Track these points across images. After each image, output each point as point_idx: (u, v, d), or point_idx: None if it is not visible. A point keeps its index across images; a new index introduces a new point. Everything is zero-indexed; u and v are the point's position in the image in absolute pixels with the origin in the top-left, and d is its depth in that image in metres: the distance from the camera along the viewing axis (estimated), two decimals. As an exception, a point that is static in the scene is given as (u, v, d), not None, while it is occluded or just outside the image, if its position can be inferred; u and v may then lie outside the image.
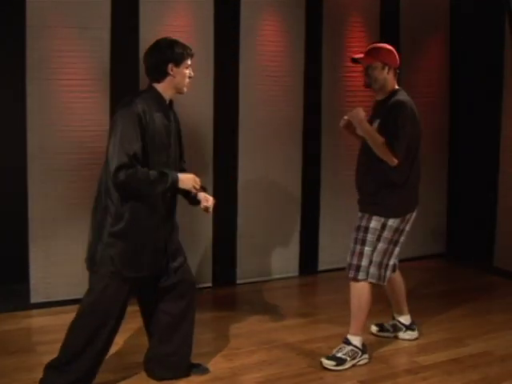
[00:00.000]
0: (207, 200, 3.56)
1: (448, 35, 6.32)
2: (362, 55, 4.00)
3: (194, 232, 5.13)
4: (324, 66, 5.73)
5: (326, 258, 5.89)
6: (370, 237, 3.88)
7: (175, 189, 3.41)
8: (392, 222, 3.89)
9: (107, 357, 3.57)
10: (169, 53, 3.39)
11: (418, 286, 5.50)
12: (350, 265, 3.94)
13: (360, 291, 3.92)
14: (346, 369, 3.83)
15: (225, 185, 5.39)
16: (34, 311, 4.73)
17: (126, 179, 3.24)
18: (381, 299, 4.45)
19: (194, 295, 3.69)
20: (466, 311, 4.90)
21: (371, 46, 4.02)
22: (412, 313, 4.41)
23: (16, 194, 4.86)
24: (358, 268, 3.90)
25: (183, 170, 3.62)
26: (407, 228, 4.02)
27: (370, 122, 3.94)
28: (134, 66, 4.92)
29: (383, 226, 3.89)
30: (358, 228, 3.94)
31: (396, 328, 4.34)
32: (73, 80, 4.78)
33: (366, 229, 3.89)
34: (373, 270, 3.90)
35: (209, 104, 5.24)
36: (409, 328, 4.33)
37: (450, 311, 4.89)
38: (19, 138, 4.71)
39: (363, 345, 3.95)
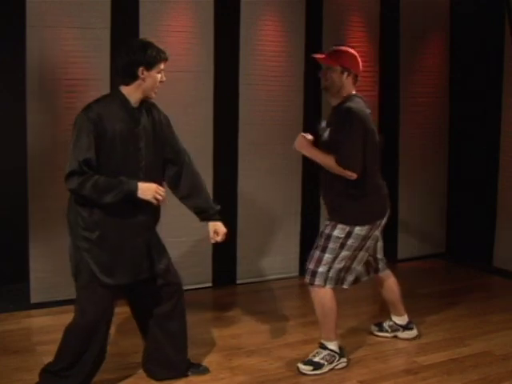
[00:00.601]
0: (217, 234, 3.64)
1: (448, 35, 6.32)
2: (322, 56, 3.90)
3: (195, 232, 5.13)
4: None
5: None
6: (331, 244, 3.80)
7: (134, 198, 3.25)
8: (359, 230, 3.79)
9: (107, 357, 3.57)
10: (141, 55, 3.26)
11: (417, 286, 5.50)
12: (307, 269, 3.87)
13: (322, 299, 3.84)
14: (324, 373, 3.80)
15: (225, 185, 5.39)
16: (34, 311, 4.73)
17: (77, 187, 3.18)
18: (379, 299, 4.46)
19: (182, 297, 3.65)
20: (466, 311, 4.89)
21: (333, 48, 3.89)
22: (412, 313, 4.41)
23: (16, 194, 4.86)
24: (314, 273, 3.82)
25: (180, 173, 3.56)
26: (377, 233, 3.93)
27: (323, 130, 3.92)
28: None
29: (348, 234, 3.79)
30: (321, 234, 3.88)
31: (393, 328, 4.33)
32: (73, 80, 4.78)
33: (329, 236, 3.81)
34: (331, 275, 3.82)
35: (209, 104, 5.24)
36: (406, 328, 4.31)
37: (450, 311, 4.89)
38: (19, 138, 4.71)
39: (340, 348, 3.92)
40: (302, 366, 3.82)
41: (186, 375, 3.72)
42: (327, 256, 3.81)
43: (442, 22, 6.28)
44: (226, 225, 5.38)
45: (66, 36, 4.71)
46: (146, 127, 3.38)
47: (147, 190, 3.26)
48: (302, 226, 5.77)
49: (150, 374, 3.70)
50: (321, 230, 3.93)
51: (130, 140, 3.30)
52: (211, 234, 3.64)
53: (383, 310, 4.55)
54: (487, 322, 4.66)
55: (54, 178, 4.77)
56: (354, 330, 4.46)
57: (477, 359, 4.03)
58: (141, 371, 3.76)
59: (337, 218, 3.83)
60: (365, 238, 3.84)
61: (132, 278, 3.41)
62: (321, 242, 3.86)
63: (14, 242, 4.93)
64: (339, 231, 3.80)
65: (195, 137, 5.05)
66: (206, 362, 3.91)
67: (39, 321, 4.61)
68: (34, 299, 4.80)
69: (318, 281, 3.82)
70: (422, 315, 4.72)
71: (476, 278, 5.84)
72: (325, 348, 3.88)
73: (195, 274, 5.26)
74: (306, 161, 5.73)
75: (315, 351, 3.89)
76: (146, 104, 3.42)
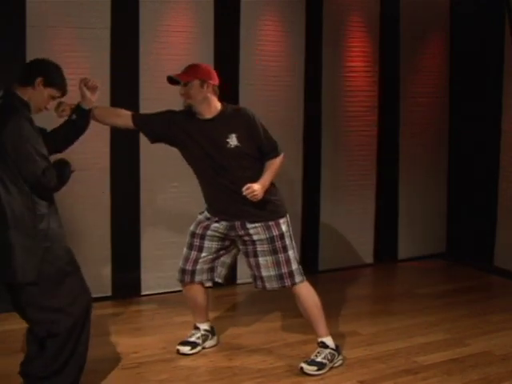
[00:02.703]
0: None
1: (448, 35, 6.32)
2: (178, 73, 3.78)
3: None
4: (324, 66, 5.73)
5: (326, 258, 5.89)
6: (287, 241, 3.82)
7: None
8: (287, 217, 3.89)
9: (107, 357, 3.57)
10: (42, 69, 3.35)
11: (418, 286, 5.50)
12: (281, 275, 3.80)
13: (309, 294, 3.86)
14: (324, 372, 3.79)
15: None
16: (34, 311, 4.72)
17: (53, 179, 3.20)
18: (379, 300, 4.45)
19: None
20: (465, 311, 4.89)
21: (188, 65, 3.82)
22: (412, 313, 4.42)
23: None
24: (291, 274, 3.80)
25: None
26: None
27: (212, 140, 3.73)
28: (134, 65, 4.93)
29: (288, 224, 3.87)
30: (271, 239, 3.78)
31: (206, 337, 4.16)
32: (73, 80, 4.77)
33: (281, 235, 3.80)
34: (299, 267, 3.87)
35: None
36: (211, 332, 4.19)
37: (449, 311, 4.89)
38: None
39: (336, 345, 3.93)
40: (306, 367, 3.81)
41: None
42: (291, 253, 3.82)
43: (442, 22, 6.28)
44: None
45: (66, 36, 4.71)
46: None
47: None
48: (301, 226, 5.76)
49: None
50: (262, 237, 3.78)
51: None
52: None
53: (384, 310, 4.55)
54: (487, 322, 4.66)
55: (54, 177, 4.78)
56: (354, 330, 4.46)
57: (477, 359, 4.02)
58: (141, 371, 3.76)
59: (272, 215, 3.81)
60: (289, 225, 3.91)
61: None
62: (276, 244, 3.79)
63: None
64: (284, 226, 3.83)
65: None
66: (206, 362, 3.92)
67: (39, 321, 4.60)
68: (34, 299, 4.79)
69: (297, 278, 3.82)
70: (422, 315, 4.73)
71: (476, 277, 5.84)
72: (326, 347, 3.87)
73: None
74: (306, 161, 5.75)
75: (317, 351, 3.88)
76: None
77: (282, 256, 3.81)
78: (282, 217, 3.85)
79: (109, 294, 5.02)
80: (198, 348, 4.07)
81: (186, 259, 3.96)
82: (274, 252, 3.81)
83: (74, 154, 4.82)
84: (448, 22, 6.30)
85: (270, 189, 3.81)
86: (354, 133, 5.91)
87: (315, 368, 3.80)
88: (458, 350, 4.16)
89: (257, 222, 3.79)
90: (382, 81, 5.99)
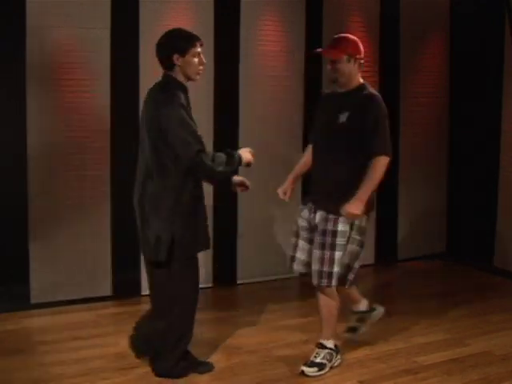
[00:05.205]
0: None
1: (448, 35, 6.32)
2: (326, 49, 3.84)
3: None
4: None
5: (326, 258, 5.88)
6: (339, 240, 3.67)
7: (239, 164, 3.63)
8: (359, 221, 3.72)
9: (107, 357, 3.57)
10: (171, 45, 3.49)
11: (418, 286, 5.50)
12: (322, 272, 3.68)
13: (330, 298, 3.81)
14: (325, 372, 3.79)
15: (225, 185, 5.38)
16: (34, 311, 4.73)
17: (211, 162, 3.42)
18: (379, 300, 4.45)
19: None
20: (466, 311, 4.89)
21: (335, 38, 3.81)
22: (412, 313, 4.41)
23: (16, 194, 4.86)
24: (330, 275, 3.69)
25: None
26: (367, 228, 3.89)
27: (332, 114, 3.76)
28: (134, 65, 4.93)
29: (351, 227, 3.71)
30: (324, 232, 3.68)
31: (363, 319, 4.20)
32: (73, 80, 4.78)
33: (335, 232, 3.68)
34: (340, 272, 3.74)
35: (209, 104, 5.24)
36: (372, 310, 4.20)
37: (450, 311, 4.88)
38: (19, 138, 4.71)
39: (335, 345, 3.91)
40: (307, 369, 3.79)
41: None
42: (338, 253, 3.68)
43: (442, 22, 6.28)
44: (226, 225, 5.43)
45: (66, 36, 4.71)
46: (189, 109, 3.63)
47: (245, 153, 3.66)
48: (302, 226, 5.76)
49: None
50: (320, 227, 3.71)
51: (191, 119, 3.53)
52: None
53: (385, 310, 4.55)
54: (487, 322, 4.66)
55: (53, 177, 4.78)
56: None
57: (477, 359, 4.02)
58: (141, 371, 3.76)
59: (336, 210, 3.64)
60: (363, 231, 3.76)
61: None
62: (327, 239, 3.68)
63: (14, 242, 4.93)
64: (343, 225, 3.68)
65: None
66: (206, 362, 3.92)
67: (39, 321, 4.61)
68: (34, 299, 4.80)
69: (334, 282, 3.71)
70: (422, 315, 4.72)
71: (476, 277, 5.84)
72: (324, 347, 3.87)
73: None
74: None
75: (315, 352, 3.87)
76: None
77: (327, 253, 3.68)
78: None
79: (109, 294, 5.02)
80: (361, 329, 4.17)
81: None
82: (322, 247, 3.70)
83: (74, 153, 4.85)
84: (448, 22, 6.30)
85: (356, 186, 3.61)
86: (354, 133, 5.92)
87: (316, 369, 3.80)
88: (458, 350, 4.16)
89: (322, 210, 3.75)
90: (381, 81, 5.98)
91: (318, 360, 3.83)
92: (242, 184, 3.88)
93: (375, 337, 4.33)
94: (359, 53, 3.78)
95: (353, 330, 4.24)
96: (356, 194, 3.57)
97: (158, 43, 3.56)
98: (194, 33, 3.58)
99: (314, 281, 3.74)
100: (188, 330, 3.68)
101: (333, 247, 3.67)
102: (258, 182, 5.48)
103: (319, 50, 3.95)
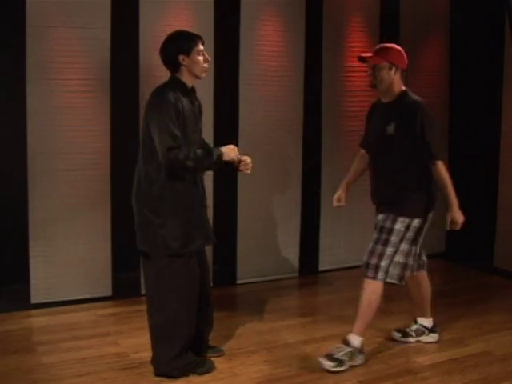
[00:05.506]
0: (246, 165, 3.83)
1: (448, 35, 6.32)
2: (369, 54, 3.96)
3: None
4: (324, 66, 5.73)
5: (326, 258, 5.89)
6: (393, 238, 3.83)
7: (220, 162, 3.58)
8: (416, 223, 3.88)
9: (107, 357, 3.57)
10: (175, 46, 3.57)
11: (418, 286, 5.49)
12: (369, 264, 3.85)
13: (373, 290, 3.85)
14: (343, 370, 3.79)
15: (225, 185, 5.39)
16: (34, 311, 4.73)
17: (183, 158, 3.40)
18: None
19: None
20: (466, 311, 4.90)
21: (380, 46, 3.97)
22: (412, 313, 4.41)
23: (16, 194, 4.86)
24: (377, 268, 3.82)
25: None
26: (426, 227, 4.00)
27: (379, 125, 3.91)
28: (134, 65, 4.93)
29: (407, 227, 3.86)
30: (381, 229, 3.87)
31: (419, 332, 4.28)
32: (73, 80, 4.78)
33: (391, 230, 3.84)
34: (393, 270, 3.85)
35: (209, 104, 5.24)
36: (431, 331, 4.28)
37: (450, 311, 4.89)
38: (19, 138, 4.72)
39: (361, 345, 3.90)
40: (324, 362, 3.78)
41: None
42: (389, 250, 3.83)
43: (441, 22, 6.28)
44: (226, 225, 5.43)
45: (66, 36, 4.71)
46: (197, 107, 3.72)
47: (230, 151, 3.60)
48: (302, 226, 5.77)
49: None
50: (380, 224, 3.89)
51: (192, 119, 3.60)
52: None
53: (384, 310, 4.55)
54: (487, 322, 4.66)
55: (53, 177, 4.78)
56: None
57: (477, 359, 4.03)
58: (141, 371, 3.76)
59: (396, 211, 3.85)
60: (419, 231, 3.91)
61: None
62: (382, 235, 3.85)
63: (14, 242, 4.94)
64: (400, 224, 3.84)
65: (195, 137, 5.05)
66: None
67: (39, 321, 4.61)
68: (34, 299, 4.80)
69: (380, 275, 3.83)
70: (422, 315, 4.72)
71: (476, 278, 5.84)
72: (348, 345, 3.85)
73: (195, 274, 5.25)
74: (306, 161, 5.75)
75: (338, 347, 3.85)
76: (193, 88, 3.70)
77: (379, 247, 3.84)
78: (404, 216, 3.85)
79: (109, 294, 5.02)
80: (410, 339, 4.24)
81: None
82: (376, 241, 3.87)
83: (74, 153, 4.86)
84: (448, 22, 6.30)
85: (415, 189, 3.88)
86: (354, 133, 5.89)
87: (334, 364, 3.78)
88: (458, 350, 4.16)
89: (384, 211, 3.90)
90: (382, 81, 5.98)
91: (337, 355, 3.81)
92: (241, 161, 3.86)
93: (375, 337, 4.33)
94: (402, 63, 3.90)
95: (404, 335, 4.28)
96: (450, 204, 3.95)
97: (161, 48, 3.63)
98: (195, 32, 3.63)
99: (364, 271, 3.89)
100: (185, 329, 3.66)
101: (386, 243, 3.85)
102: (257, 181, 5.50)
103: (364, 54, 4.02)
